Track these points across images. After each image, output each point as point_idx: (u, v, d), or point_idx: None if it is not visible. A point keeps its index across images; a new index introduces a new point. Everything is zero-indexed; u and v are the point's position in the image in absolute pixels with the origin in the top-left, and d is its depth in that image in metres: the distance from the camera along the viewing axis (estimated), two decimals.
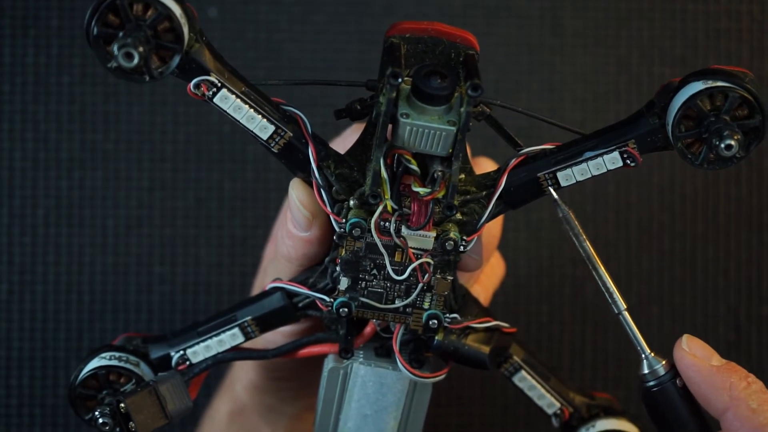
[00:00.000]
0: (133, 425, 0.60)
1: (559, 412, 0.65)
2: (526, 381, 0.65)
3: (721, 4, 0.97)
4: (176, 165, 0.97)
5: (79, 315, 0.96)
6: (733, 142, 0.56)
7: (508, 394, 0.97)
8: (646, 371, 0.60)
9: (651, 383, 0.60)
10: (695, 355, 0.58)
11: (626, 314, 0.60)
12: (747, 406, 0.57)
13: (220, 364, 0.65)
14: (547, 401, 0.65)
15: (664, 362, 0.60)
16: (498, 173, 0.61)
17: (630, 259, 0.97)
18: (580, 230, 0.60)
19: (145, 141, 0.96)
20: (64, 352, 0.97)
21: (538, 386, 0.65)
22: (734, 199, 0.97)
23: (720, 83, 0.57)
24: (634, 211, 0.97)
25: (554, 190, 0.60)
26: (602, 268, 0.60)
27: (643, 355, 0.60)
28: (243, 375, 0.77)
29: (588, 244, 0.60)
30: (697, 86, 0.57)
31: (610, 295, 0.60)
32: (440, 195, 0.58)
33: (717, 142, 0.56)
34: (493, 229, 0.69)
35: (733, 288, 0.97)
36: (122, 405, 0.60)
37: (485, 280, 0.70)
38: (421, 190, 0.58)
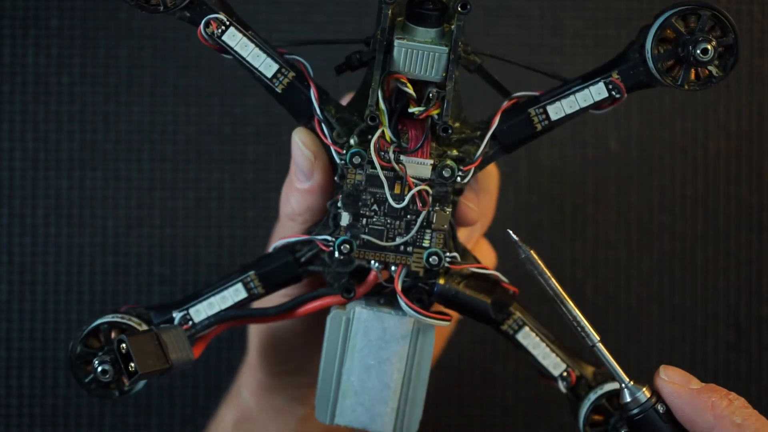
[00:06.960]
0: (133, 365, 0.57)
1: (565, 374, 0.64)
2: (530, 338, 0.64)
3: (721, 4, 0.97)
4: (176, 165, 0.97)
5: (79, 315, 0.96)
6: (709, 47, 0.59)
7: (508, 394, 0.97)
8: (628, 399, 0.60)
9: (634, 411, 0.60)
10: (675, 383, 0.60)
11: (601, 345, 0.60)
12: (731, 422, 0.57)
13: (222, 323, 0.63)
14: (553, 361, 0.64)
15: (644, 389, 0.60)
16: (491, 117, 0.63)
17: (630, 259, 0.97)
18: (544, 268, 0.61)
19: (145, 141, 0.96)
20: (64, 352, 0.96)
21: (543, 344, 0.64)
22: (734, 199, 0.97)
23: (691, 6, 0.60)
24: (634, 211, 0.97)
25: (544, 127, 0.62)
26: (571, 303, 0.61)
27: (623, 384, 0.60)
28: (250, 377, 0.77)
29: (554, 282, 0.61)
30: (670, 12, 0.61)
31: (583, 329, 0.60)
32: (435, 113, 0.60)
33: (692, 50, 0.59)
34: (489, 185, 0.71)
35: (733, 288, 0.97)
36: (123, 345, 0.58)
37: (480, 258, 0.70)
38: (416, 110, 0.60)
